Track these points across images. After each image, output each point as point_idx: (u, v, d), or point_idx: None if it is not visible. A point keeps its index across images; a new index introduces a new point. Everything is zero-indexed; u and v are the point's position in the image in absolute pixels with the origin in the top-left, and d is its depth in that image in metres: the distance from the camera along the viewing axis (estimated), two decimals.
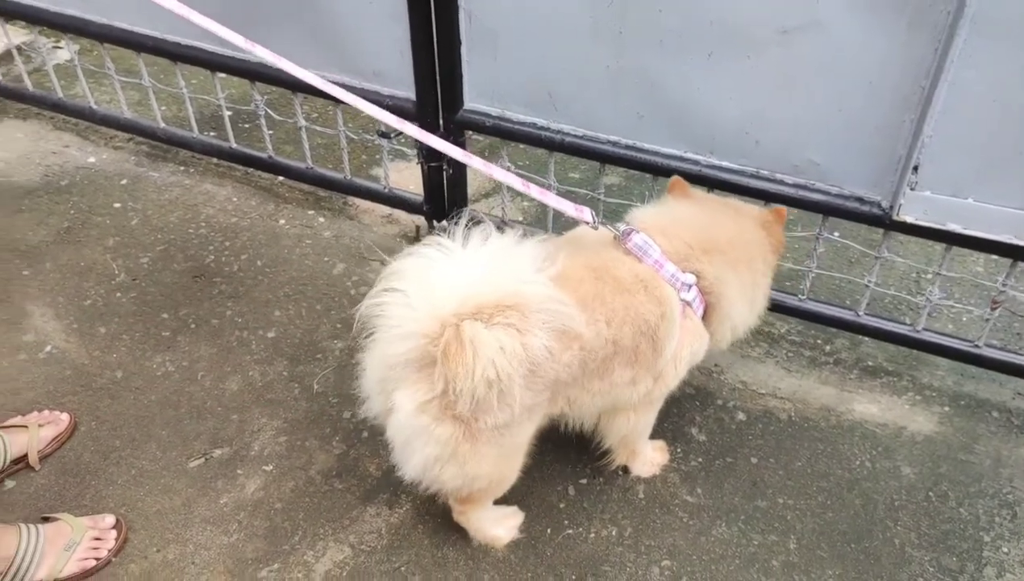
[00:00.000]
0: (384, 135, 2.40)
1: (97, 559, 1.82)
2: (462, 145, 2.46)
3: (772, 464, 2.03)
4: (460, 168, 2.51)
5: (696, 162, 2.14)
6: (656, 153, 2.17)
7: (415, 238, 2.67)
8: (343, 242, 2.66)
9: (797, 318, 2.34)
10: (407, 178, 2.80)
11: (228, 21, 2.47)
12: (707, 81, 2.00)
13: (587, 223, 1.72)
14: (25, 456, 2.02)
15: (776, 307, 2.30)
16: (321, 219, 2.75)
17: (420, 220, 2.68)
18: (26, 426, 2.05)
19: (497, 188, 2.59)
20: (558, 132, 2.27)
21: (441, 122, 2.39)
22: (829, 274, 2.44)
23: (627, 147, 2.21)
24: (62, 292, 2.49)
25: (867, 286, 2.19)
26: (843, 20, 1.78)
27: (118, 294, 2.49)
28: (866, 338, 2.32)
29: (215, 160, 2.96)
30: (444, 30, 2.21)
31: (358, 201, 2.79)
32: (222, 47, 2.57)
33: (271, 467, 2.02)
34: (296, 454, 2.05)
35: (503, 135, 2.35)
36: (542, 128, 2.29)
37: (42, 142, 3.13)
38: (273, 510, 1.94)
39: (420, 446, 1.54)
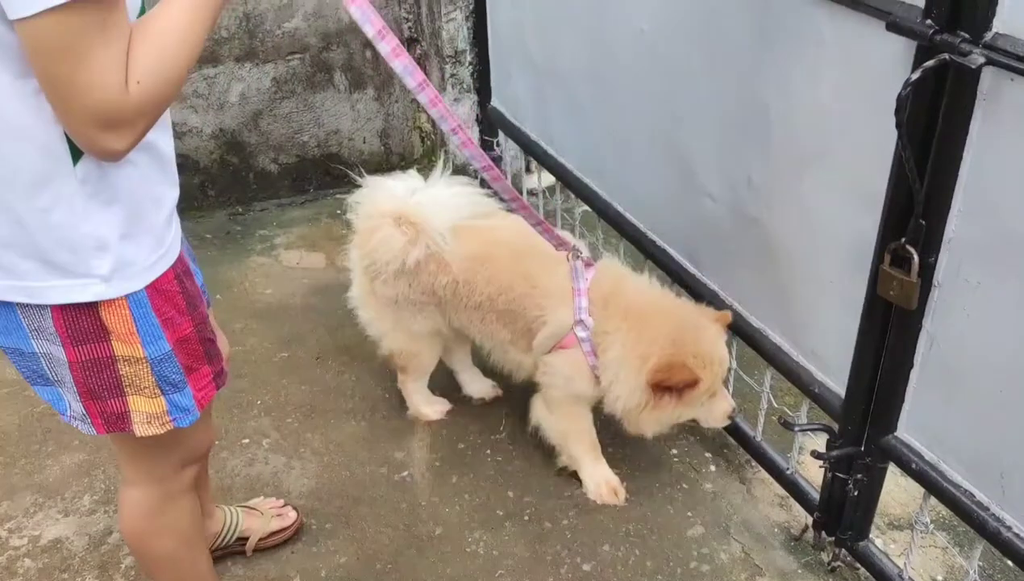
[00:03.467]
0: (788, 426, 2.06)
1: None
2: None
3: None
4: (869, 488, 2.06)
5: None
6: None
7: (797, 538, 2.26)
8: (718, 504, 2.35)
9: None
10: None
11: (705, 256, 2.39)
12: None
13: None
14: (247, 539, 2.16)
15: None
16: (712, 468, 2.47)
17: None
18: (261, 512, 2.20)
19: (911, 523, 2.07)
20: (998, 519, 1.72)
21: (865, 437, 1.99)
22: None
23: None
24: (448, 425, 2.60)
25: None
26: None
27: (488, 451, 2.52)
28: None
29: None
30: (897, 342, 1.83)
31: (760, 467, 2.45)
32: (684, 259, 2.48)
33: None
34: None
35: (926, 485, 1.86)
36: (979, 505, 1.76)
37: None
38: None
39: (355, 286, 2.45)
